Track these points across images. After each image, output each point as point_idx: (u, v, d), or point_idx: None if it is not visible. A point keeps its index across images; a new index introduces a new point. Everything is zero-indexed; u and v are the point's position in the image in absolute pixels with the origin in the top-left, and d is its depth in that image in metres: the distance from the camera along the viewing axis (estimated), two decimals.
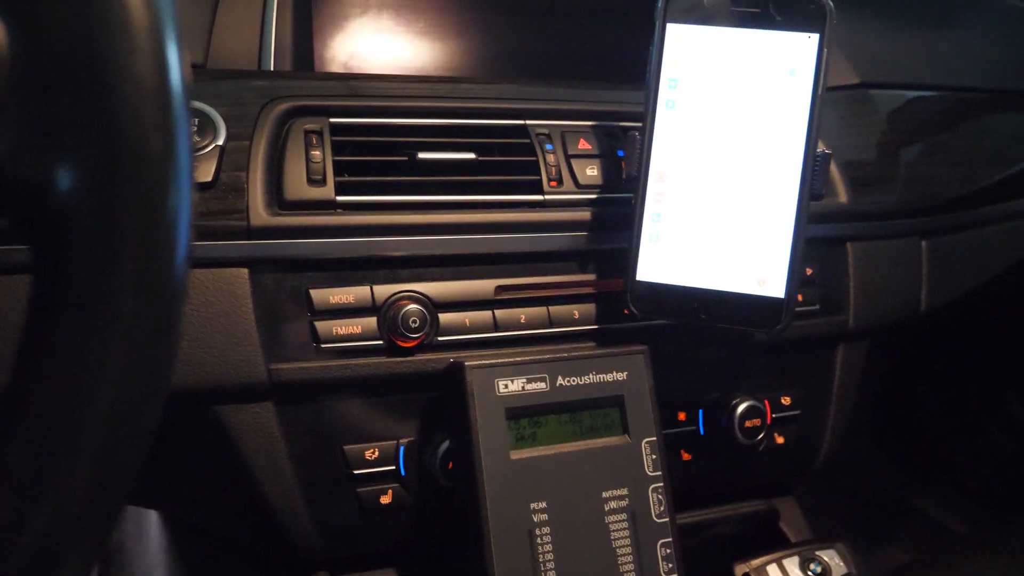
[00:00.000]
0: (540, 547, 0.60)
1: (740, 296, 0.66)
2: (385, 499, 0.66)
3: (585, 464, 0.63)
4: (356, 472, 0.65)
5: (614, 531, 0.63)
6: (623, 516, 0.63)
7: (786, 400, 0.79)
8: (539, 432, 0.63)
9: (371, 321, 0.64)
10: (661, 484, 0.65)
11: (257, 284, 0.62)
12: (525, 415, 0.62)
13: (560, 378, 0.64)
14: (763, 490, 0.82)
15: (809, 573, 0.75)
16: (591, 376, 0.65)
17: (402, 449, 0.66)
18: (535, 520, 0.60)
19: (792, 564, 0.76)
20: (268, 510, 0.64)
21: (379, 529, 0.67)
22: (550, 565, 0.60)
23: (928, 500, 1.30)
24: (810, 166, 0.65)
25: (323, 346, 0.63)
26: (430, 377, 0.65)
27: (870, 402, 1.34)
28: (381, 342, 0.64)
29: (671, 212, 0.66)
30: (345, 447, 0.65)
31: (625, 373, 0.66)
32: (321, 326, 0.63)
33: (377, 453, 0.66)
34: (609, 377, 0.65)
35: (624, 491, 0.64)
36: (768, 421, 0.78)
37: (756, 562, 0.75)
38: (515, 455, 0.61)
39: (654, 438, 0.65)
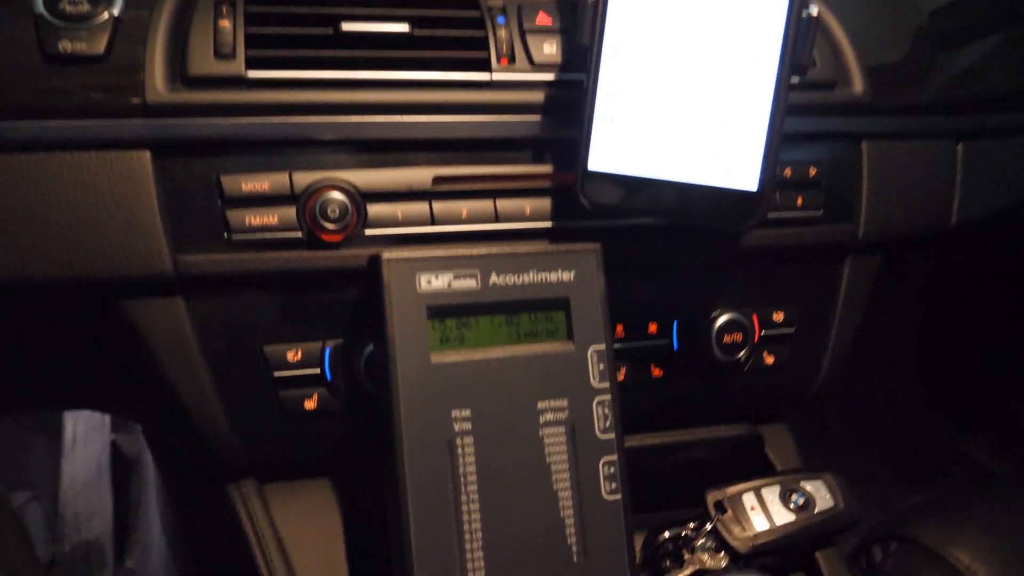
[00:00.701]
0: (461, 458, 0.54)
1: (705, 189, 0.58)
2: (310, 404, 0.61)
3: (520, 371, 0.56)
4: (277, 375, 0.60)
5: (549, 445, 0.56)
6: (560, 430, 0.57)
7: (778, 316, 0.71)
8: (468, 334, 0.56)
9: (289, 211, 0.58)
10: (608, 397, 0.58)
11: (162, 169, 0.56)
12: (451, 315, 0.56)
13: (494, 276, 0.57)
14: (749, 416, 0.74)
15: (790, 505, 0.68)
16: (532, 275, 0.58)
17: (328, 351, 0.61)
18: (456, 429, 0.54)
19: (771, 494, 0.68)
20: (185, 414, 0.60)
21: (305, 437, 0.62)
22: (471, 478, 0.54)
23: (967, 441, 1.19)
24: (793, 31, 0.56)
25: (235, 237, 0.58)
26: (356, 274, 0.59)
27: (892, 330, 1.23)
28: (300, 234, 0.58)
29: (629, 90, 0.58)
30: (265, 347, 0.60)
31: (572, 273, 0.58)
32: (233, 215, 0.58)
33: (300, 355, 0.60)
34: (553, 277, 0.58)
35: (564, 402, 0.57)
36: (756, 339, 0.69)
37: (731, 490, 0.68)
38: (436, 358, 0.55)
39: (603, 346, 0.58)
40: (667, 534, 0.66)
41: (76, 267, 0.55)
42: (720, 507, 0.67)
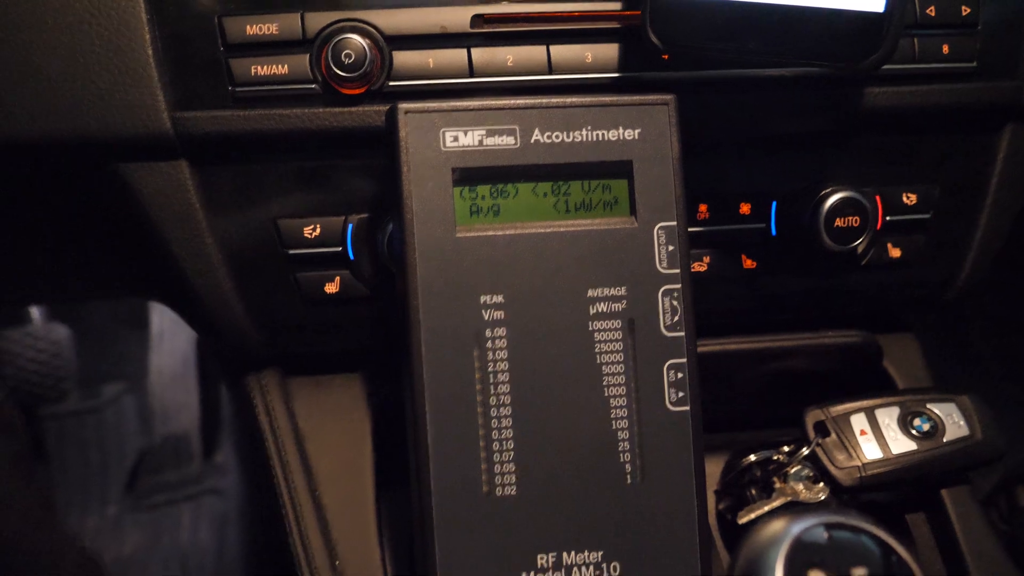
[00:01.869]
0: (491, 353, 0.45)
1: (815, 12, 0.44)
2: (331, 288, 0.53)
3: (567, 251, 0.46)
4: (293, 253, 0.52)
5: (601, 342, 0.46)
6: (615, 323, 0.46)
7: (910, 198, 0.57)
8: (503, 205, 0.46)
9: (301, 59, 0.49)
10: (678, 286, 0.47)
11: (156, 10, 0.48)
12: (483, 180, 0.46)
13: (538, 133, 0.46)
14: (865, 323, 0.61)
15: (912, 431, 0.55)
16: (586, 133, 0.46)
17: (350, 227, 0.52)
18: (486, 318, 0.45)
19: (888, 416, 0.55)
20: (196, 298, 0.53)
21: (327, 325, 0.54)
22: (502, 378, 0.45)
23: None
24: None
25: (239, 90, 0.49)
26: (380, 135, 0.49)
27: None
28: (314, 86, 0.49)
29: None
30: (279, 221, 0.52)
31: (638, 131, 0.47)
32: (237, 65, 0.49)
33: (319, 231, 0.52)
34: (613, 135, 0.47)
35: (621, 290, 0.46)
36: (878, 226, 0.56)
37: (837, 409, 0.56)
38: (464, 232, 0.45)
39: (673, 223, 0.47)
40: (754, 457, 0.56)
41: (66, 124, 0.48)
42: (822, 429, 0.55)
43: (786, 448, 0.56)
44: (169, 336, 1.33)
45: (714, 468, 0.57)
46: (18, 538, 0.40)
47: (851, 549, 0.30)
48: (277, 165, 0.51)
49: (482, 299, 0.45)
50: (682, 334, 0.46)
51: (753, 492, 0.55)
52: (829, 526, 0.30)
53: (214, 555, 1.18)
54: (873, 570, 0.29)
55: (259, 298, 0.53)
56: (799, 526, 0.30)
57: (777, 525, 0.31)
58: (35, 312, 1.26)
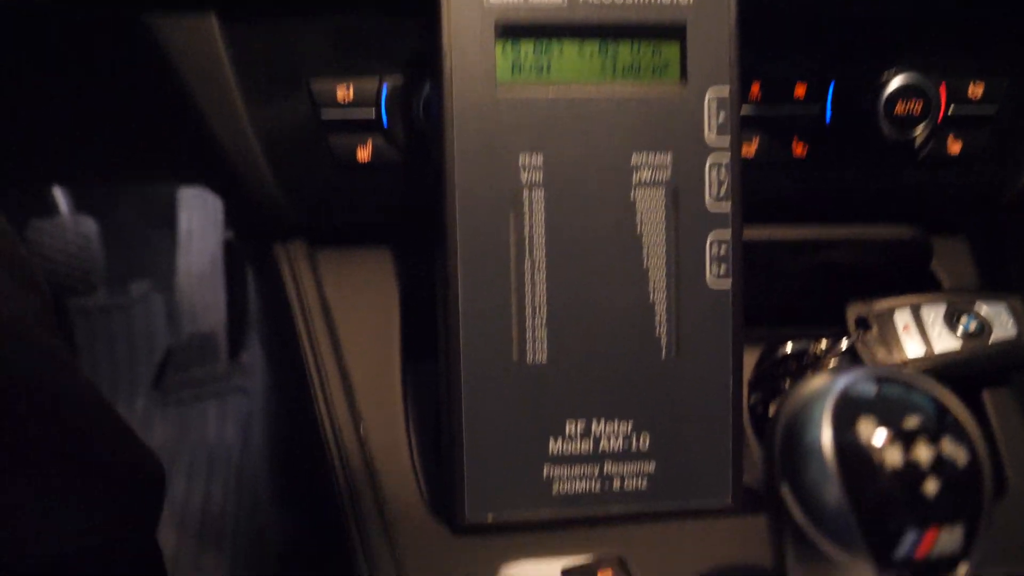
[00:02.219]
0: (527, 216, 0.43)
1: None
2: (363, 154, 0.51)
3: (612, 114, 0.44)
4: (326, 116, 0.50)
5: (643, 211, 0.44)
6: (659, 192, 0.44)
7: (975, 89, 0.54)
8: (548, 63, 0.44)
9: None
10: (727, 157, 0.45)
11: None
12: (527, 35, 0.44)
13: None
14: (918, 221, 0.59)
15: (958, 330, 0.53)
16: None
17: (384, 89, 0.50)
18: (523, 179, 0.43)
19: (934, 313, 0.54)
20: (223, 161, 0.52)
21: (359, 193, 0.53)
22: (539, 241, 0.43)
23: None
24: None
25: None
26: None
27: None
28: None
29: None
30: (311, 81, 0.50)
31: None
32: None
33: (352, 92, 0.50)
34: None
35: (667, 158, 0.44)
36: (940, 117, 0.53)
37: (881, 304, 0.54)
38: (505, 89, 0.43)
39: (726, 91, 0.45)
40: (790, 348, 0.54)
41: None
42: (863, 323, 0.54)
43: (824, 341, 0.54)
44: (198, 234, 1.33)
45: (748, 361, 0.55)
46: (42, 379, 0.40)
47: (902, 403, 0.28)
48: (310, 21, 0.49)
49: (521, 159, 0.43)
50: (728, 208, 0.45)
51: (786, 384, 0.54)
52: (879, 379, 0.29)
53: (239, 450, 1.20)
54: (926, 421, 0.27)
55: (289, 163, 0.52)
56: (845, 379, 0.29)
57: (821, 379, 0.29)
58: (63, 204, 1.26)
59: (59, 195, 1.28)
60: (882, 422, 0.27)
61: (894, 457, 0.27)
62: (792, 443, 0.28)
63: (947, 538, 0.27)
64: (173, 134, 0.56)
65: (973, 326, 0.53)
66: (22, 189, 1.17)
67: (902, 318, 0.53)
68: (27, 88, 0.57)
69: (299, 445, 0.71)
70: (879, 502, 0.27)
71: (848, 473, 0.27)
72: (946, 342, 0.53)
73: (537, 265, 0.43)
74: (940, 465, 0.27)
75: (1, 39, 0.50)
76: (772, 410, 0.53)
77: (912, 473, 0.27)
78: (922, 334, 0.53)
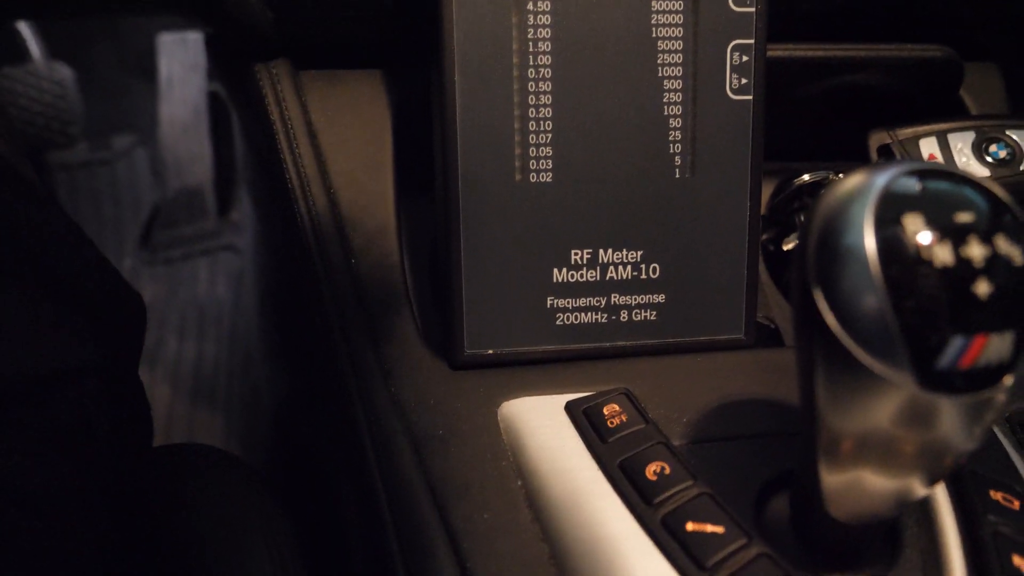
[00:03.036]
0: (531, 18, 0.39)
1: None
2: None
3: None
4: None
5: (658, 12, 0.40)
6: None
7: None
8: None
9: None
10: None
11: None
12: None
13: None
14: (949, 42, 0.54)
15: (988, 158, 0.50)
16: None
17: None
18: (528, 8, 0.38)
19: (961, 141, 0.50)
20: None
21: (347, 8, 0.48)
22: (543, 47, 0.39)
23: None
24: None
25: None
26: None
27: None
28: None
29: None
30: None
31: None
32: None
33: None
34: None
35: None
36: None
37: (905, 131, 0.50)
38: None
39: None
40: (807, 178, 0.51)
41: None
42: (886, 151, 0.50)
43: (843, 174, 0.51)
44: (179, 84, 1.26)
45: (763, 192, 0.52)
46: (23, 210, 0.37)
47: (951, 199, 0.25)
48: None
49: None
50: (752, 10, 0.40)
51: (800, 219, 0.51)
52: (923, 174, 0.25)
53: (230, 308, 1.19)
54: (979, 217, 0.24)
55: None
56: (886, 174, 0.25)
57: (858, 176, 0.26)
58: (36, 50, 1.19)
59: (31, 40, 1.20)
60: (930, 219, 0.24)
61: (944, 256, 0.24)
62: (829, 246, 0.25)
63: (996, 346, 0.24)
64: None
65: (1003, 153, 0.50)
66: None
67: (928, 146, 0.50)
68: None
69: (291, 294, 0.68)
70: (925, 305, 0.24)
71: (892, 276, 0.24)
72: (975, 169, 0.49)
73: (541, 74, 0.39)
74: (994, 264, 0.24)
75: None
76: (786, 246, 0.51)
77: (962, 272, 0.24)
78: (949, 163, 0.49)
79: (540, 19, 0.39)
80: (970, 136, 0.50)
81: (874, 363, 0.25)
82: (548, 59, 0.39)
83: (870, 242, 0.24)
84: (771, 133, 0.44)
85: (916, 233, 0.24)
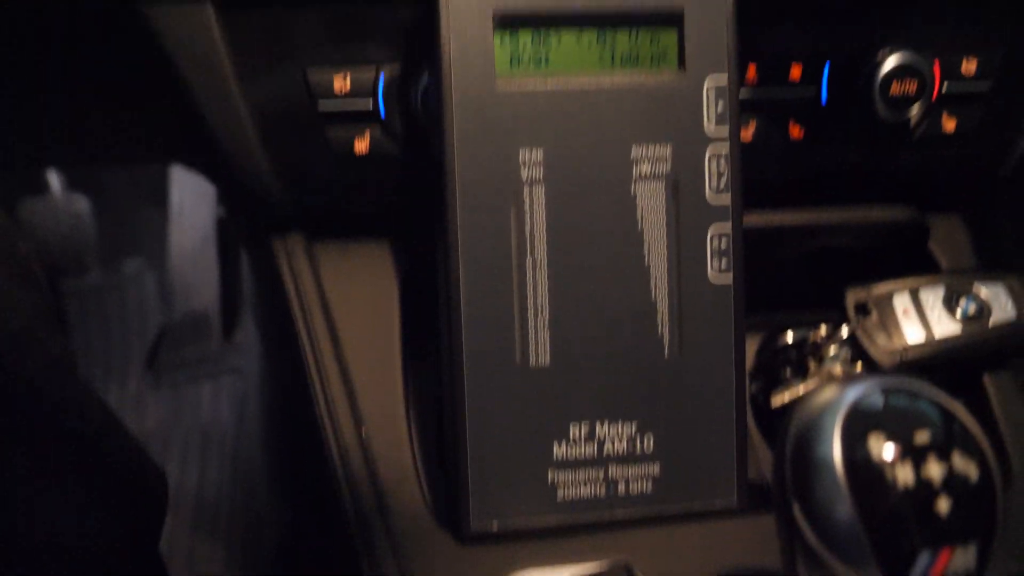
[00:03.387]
0: (528, 212, 0.43)
1: None
2: (361, 146, 0.50)
3: (611, 105, 0.43)
4: (323, 108, 0.49)
5: (643, 205, 0.44)
6: (659, 186, 0.44)
7: (969, 66, 0.53)
8: (547, 54, 0.43)
9: None
10: (726, 148, 0.44)
11: None
12: (526, 26, 0.43)
13: None
14: (913, 201, 0.58)
15: (957, 313, 0.53)
16: None
17: (381, 79, 0.49)
18: (524, 175, 0.43)
19: (933, 296, 0.53)
20: (220, 150, 0.51)
21: (356, 186, 0.52)
22: (540, 238, 0.43)
23: None
24: None
25: None
26: None
27: None
28: None
29: None
30: (308, 70, 0.49)
31: None
32: None
33: (349, 83, 0.49)
34: None
35: (666, 150, 0.44)
36: (934, 95, 0.52)
37: (879, 289, 0.54)
38: (504, 84, 0.42)
39: (724, 79, 0.44)
40: (790, 337, 0.54)
41: None
42: (863, 309, 0.53)
43: (824, 328, 0.54)
44: (189, 211, 1.31)
45: (748, 350, 0.55)
46: (43, 384, 0.39)
47: (910, 414, 0.28)
48: (307, 10, 0.48)
49: (521, 154, 0.42)
50: (728, 200, 0.44)
51: (787, 373, 0.54)
52: (886, 391, 0.28)
53: (234, 431, 1.20)
54: (935, 434, 0.27)
55: (286, 154, 0.51)
56: (855, 391, 0.28)
57: (830, 392, 0.29)
58: (55, 183, 1.24)
59: (51, 173, 1.26)
60: (892, 437, 0.27)
61: (906, 475, 0.27)
62: (802, 458, 0.28)
63: (961, 558, 0.27)
64: (169, 121, 0.54)
65: (972, 309, 0.53)
66: (14, 172, 1.15)
67: (901, 302, 0.53)
68: (20, 71, 0.55)
69: (298, 436, 0.71)
70: (891, 522, 0.27)
71: (859, 491, 0.27)
72: (946, 326, 0.53)
73: (539, 264, 0.43)
74: (952, 482, 0.27)
75: None
76: (774, 401, 0.53)
77: (924, 492, 0.27)
78: (921, 318, 0.53)
79: (536, 214, 0.43)
80: (940, 291, 0.54)
81: (848, 572, 0.27)
82: (544, 250, 0.43)
83: (839, 458, 0.27)
84: (753, 289, 0.48)
85: (880, 452, 0.27)
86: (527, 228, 0.43)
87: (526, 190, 0.43)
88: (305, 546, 0.81)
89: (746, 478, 0.45)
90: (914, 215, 0.56)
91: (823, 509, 0.27)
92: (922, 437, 0.27)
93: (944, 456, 0.27)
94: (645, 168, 0.43)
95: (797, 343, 0.54)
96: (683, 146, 0.43)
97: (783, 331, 0.54)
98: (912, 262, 0.58)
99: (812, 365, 0.54)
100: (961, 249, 0.59)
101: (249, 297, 1.25)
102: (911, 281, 0.54)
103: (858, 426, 0.28)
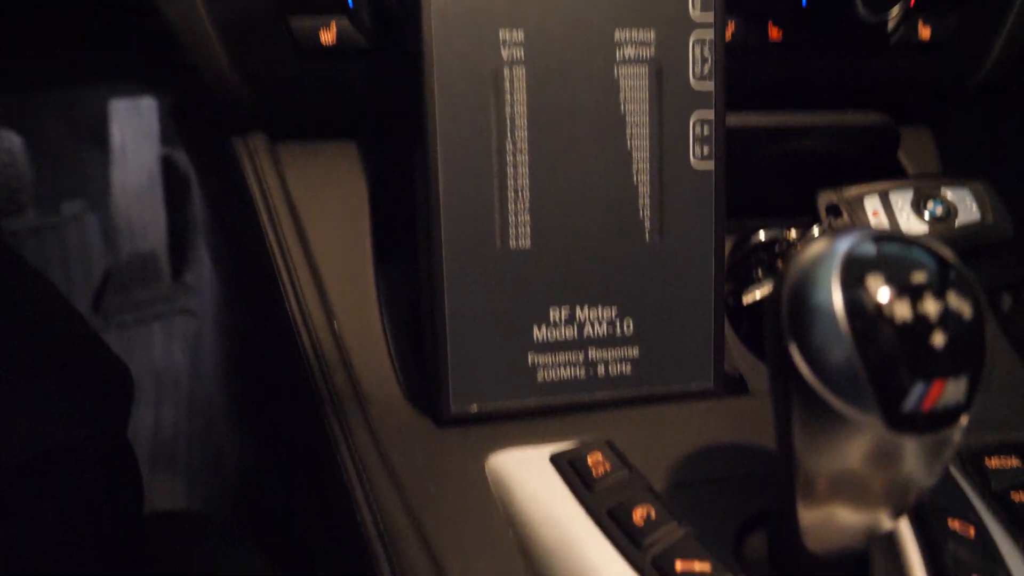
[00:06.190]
0: (508, 95, 0.42)
1: None
2: (327, 36, 0.48)
3: None
4: None
5: (626, 88, 0.43)
6: (642, 70, 0.43)
7: None
8: None
9: None
10: (710, 34, 0.44)
11: None
12: None
13: None
14: (886, 111, 0.59)
15: (925, 214, 0.54)
16: None
17: None
18: (504, 56, 0.41)
19: (902, 199, 0.54)
20: (177, 45, 0.48)
21: (322, 81, 0.50)
22: (520, 122, 0.42)
23: None
24: None
25: None
26: None
27: None
28: None
29: None
30: None
31: None
32: None
33: None
34: None
35: (650, 34, 0.43)
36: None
37: (850, 191, 0.54)
38: None
39: None
40: (762, 236, 0.54)
41: None
42: (834, 210, 0.54)
43: (795, 230, 0.54)
44: (132, 151, 1.26)
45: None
46: (27, 293, 0.38)
47: (905, 260, 0.28)
48: None
49: (501, 34, 0.41)
50: (711, 86, 0.44)
51: (759, 273, 0.54)
52: (877, 239, 0.28)
53: (188, 373, 1.17)
54: (931, 275, 0.27)
55: (247, 48, 0.48)
56: (847, 240, 0.28)
57: (822, 242, 0.29)
58: None
59: None
60: (889, 279, 0.27)
61: (903, 312, 0.27)
62: (800, 305, 0.28)
63: (952, 390, 0.27)
64: (119, 22, 0.52)
65: (940, 211, 0.54)
66: None
67: (871, 204, 0.54)
68: None
69: (258, 359, 0.69)
70: (889, 357, 0.27)
71: (858, 330, 0.27)
72: (914, 226, 0.53)
73: (519, 147, 0.42)
74: (947, 318, 0.27)
75: None
76: (745, 299, 0.54)
77: (920, 326, 0.27)
78: (891, 219, 0.54)
79: (517, 95, 0.42)
80: (909, 194, 0.55)
81: (846, 408, 0.27)
82: (525, 133, 0.42)
83: (838, 300, 0.27)
84: (731, 192, 0.48)
85: (878, 292, 0.27)
86: (507, 110, 0.42)
87: (506, 71, 0.41)
88: (270, 471, 0.79)
89: (723, 362, 0.45)
90: (886, 121, 0.56)
91: (822, 350, 0.27)
92: (919, 277, 0.27)
93: (940, 295, 0.27)
94: (629, 51, 0.43)
95: (768, 243, 0.54)
96: (667, 30, 0.43)
97: (755, 232, 0.54)
98: (882, 170, 0.58)
99: (781, 266, 0.54)
100: (929, 158, 0.60)
101: (202, 233, 1.22)
102: (881, 184, 0.55)
103: (855, 271, 0.28)
